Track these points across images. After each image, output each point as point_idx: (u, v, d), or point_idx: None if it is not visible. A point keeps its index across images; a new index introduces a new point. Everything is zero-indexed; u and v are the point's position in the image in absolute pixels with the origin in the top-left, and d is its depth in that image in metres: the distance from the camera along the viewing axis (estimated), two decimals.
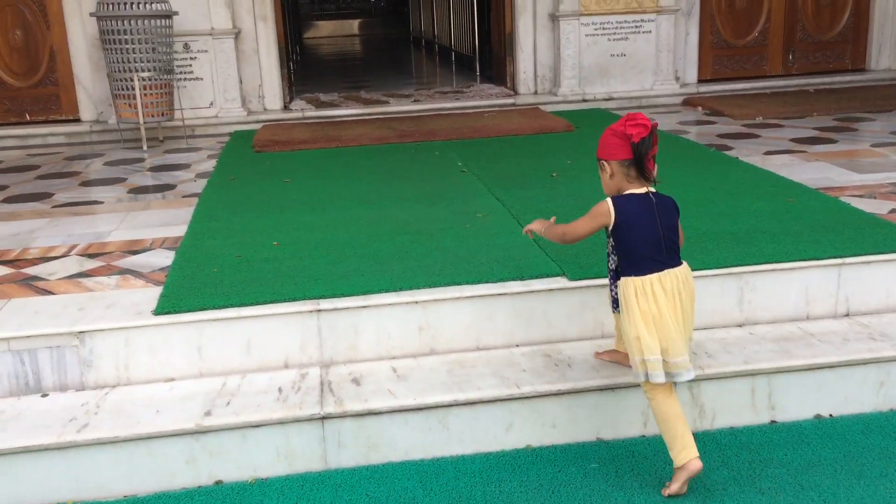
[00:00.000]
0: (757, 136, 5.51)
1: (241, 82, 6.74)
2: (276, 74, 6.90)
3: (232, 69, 6.60)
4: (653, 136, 2.47)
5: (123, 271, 3.34)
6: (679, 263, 2.49)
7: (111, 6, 5.78)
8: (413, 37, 15.69)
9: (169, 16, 6.01)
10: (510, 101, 7.00)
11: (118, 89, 5.96)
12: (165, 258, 3.47)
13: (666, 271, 2.46)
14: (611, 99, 7.07)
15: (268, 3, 6.75)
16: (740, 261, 3.15)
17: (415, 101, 7.13)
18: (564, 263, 3.18)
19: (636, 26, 7.00)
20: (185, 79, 6.57)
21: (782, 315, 3.16)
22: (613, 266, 2.63)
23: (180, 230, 3.84)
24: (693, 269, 2.56)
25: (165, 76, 6.03)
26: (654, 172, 2.52)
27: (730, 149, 5.14)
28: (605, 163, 2.55)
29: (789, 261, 3.15)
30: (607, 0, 6.94)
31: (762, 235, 3.40)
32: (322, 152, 5.59)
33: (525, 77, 7.19)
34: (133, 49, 5.83)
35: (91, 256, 3.54)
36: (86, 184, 5.01)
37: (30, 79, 6.65)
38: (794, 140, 5.32)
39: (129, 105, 5.95)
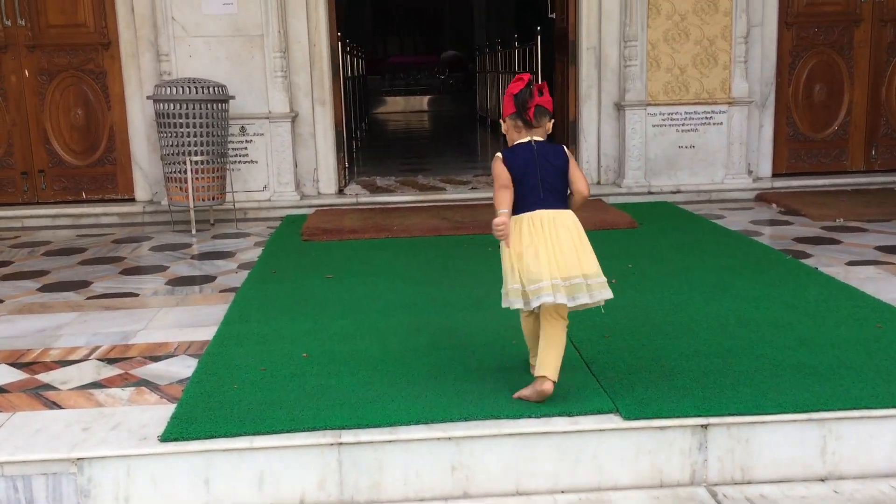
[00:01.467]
0: (838, 242, 5.09)
1: (295, 166, 6.62)
2: (332, 158, 6.77)
3: (287, 153, 6.49)
4: (530, 88, 2.78)
5: (140, 382, 3.11)
6: (562, 206, 2.80)
7: (168, 89, 5.75)
8: (479, 115, 15.65)
9: (226, 100, 5.95)
10: None
11: (171, 172, 5.89)
12: (187, 367, 3.23)
13: (538, 211, 2.76)
14: (678, 192, 6.73)
15: (326, 88, 6.67)
16: (823, 404, 2.74)
17: (472, 188, 6.91)
18: (619, 397, 2.83)
19: (706, 117, 6.69)
20: (239, 161, 6.49)
21: (872, 470, 2.73)
22: None
23: (209, 332, 3.62)
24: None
25: (218, 160, 5.94)
26: (544, 122, 2.82)
27: (808, 256, 4.74)
28: (501, 121, 2.93)
29: (881, 407, 2.74)
30: (676, 90, 6.66)
31: (847, 371, 2.99)
32: (371, 243, 5.38)
33: (588, 167, 6.92)
34: (187, 133, 5.76)
35: (111, 362, 3.33)
36: (127, 272, 4.87)
37: (88, 158, 6.66)
38: (879, 248, 4.88)
39: (181, 188, 5.86)
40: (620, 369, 3.10)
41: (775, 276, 4.30)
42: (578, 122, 6.92)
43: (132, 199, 6.66)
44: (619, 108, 6.71)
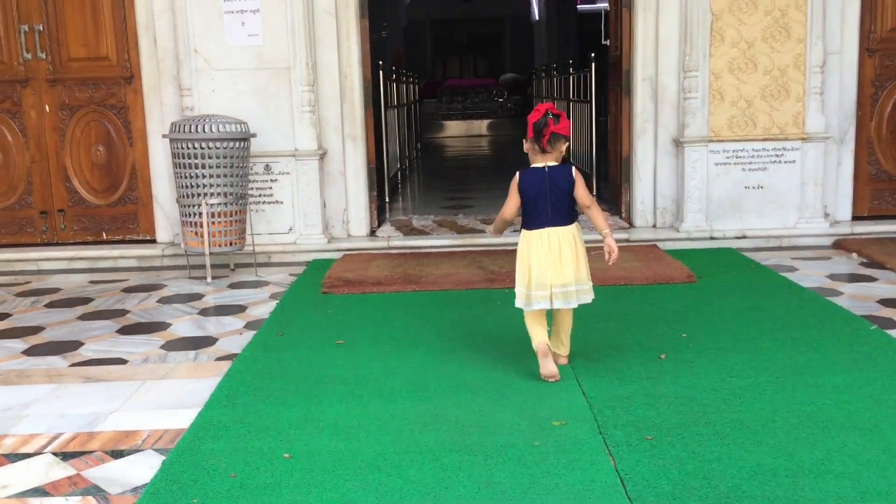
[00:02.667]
0: None
1: (324, 206, 6.17)
2: (364, 198, 6.30)
3: (314, 192, 6.04)
4: (546, 118, 3.28)
5: (88, 489, 2.64)
6: (566, 224, 3.38)
7: (184, 127, 5.35)
8: None
9: (246, 138, 5.54)
10: (624, 235, 6.10)
11: (186, 215, 5.49)
12: (150, 468, 2.76)
13: (547, 228, 3.36)
14: (744, 237, 6.05)
15: (358, 122, 6.21)
16: None
17: (515, 229, 6.33)
18: None
19: (777, 155, 6.02)
20: (264, 202, 6.07)
21: None
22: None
23: (188, 417, 3.15)
24: None
25: (237, 203, 5.52)
26: (559, 146, 3.34)
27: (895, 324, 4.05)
28: (524, 141, 3.41)
29: None
30: (742, 125, 6.00)
31: None
32: (395, 297, 4.87)
33: (642, 208, 6.29)
34: (203, 174, 5.35)
35: (67, 457, 2.87)
36: (125, 330, 4.45)
37: (109, 196, 6.33)
38: None
39: (196, 233, 5.45)
40: (663, 489, 2.52)
41: (859, 355, 3.63)
42: (633, 158, 6.31)
43: (153, 241, 6.29)
44: (678, 144, 6.09)
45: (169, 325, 4.53)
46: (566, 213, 3.39)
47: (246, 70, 5.96)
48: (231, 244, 5.53)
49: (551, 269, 3.36)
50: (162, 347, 4.12)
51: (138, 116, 6.22)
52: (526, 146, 3.42)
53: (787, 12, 5.89)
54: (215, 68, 5.94)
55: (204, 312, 4.76)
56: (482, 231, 6.37)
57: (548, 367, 3.40)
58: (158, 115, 6.09)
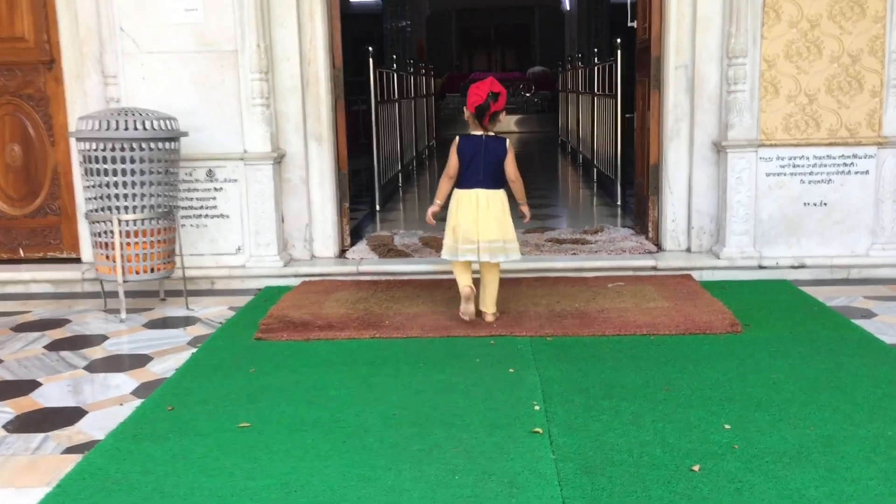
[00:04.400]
0: None
1: (281, 221, 5.05)
2: (331, 211, 5.17)
3: (268, 204, 4.92)
4: (488, 102, 3.74)
5: None
6: (496, 188, 3.84)
7: (92, 125, 4.26)
8: (560, 140, 13.86)
9: (174, 138, 4.43)
10: (650, 262, 4.90)
11: (97, 234, 4.39)
12: None
13: (476, 189, 3.82)
14: (801, 267, 4.82)
15: (324, 120, 5.07)
16: None
17: (507, 264, 5.15)
18: None
19: (846, 164, 4.77)
20: (206, 215, 4.96)
21: None
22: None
23: None
24: None
25: (162, 219, 4.41)
26: (496, 120, 3.84)
27: None
28: (464, 108, 3.89)
29: None
30: (801, 125, 4.77)
31: None
32: (345, 348, 3.73)
33: (674, 228, 5.08)
34: (114, 183, 4.25)
35: None
36: None
37: (27, 206, 5.26)
38: None
39: (108, 257, 4.36)
40: None
41: None
42: (662, 166, 5.10)
43: (77, 259, 5.22)
44: (719, 149, 4.87)
45: (38, 385, 3.43)
46: (496, 178, 3.85)
47: (183, 53, 4.85)
48: (153, 270, 4.42)
49: (478, 224, 3.80)
50: (6, 426, 3.02)
51: (60, 109, 5.14)
52: (466, 114, 3.89)
53: None
54: (146, 51, 4.84)
55: (92, 367, 3.65)
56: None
57: (467, 308, 3.95)
58: (82, 107, 4.99)
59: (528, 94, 19.44)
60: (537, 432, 2.79)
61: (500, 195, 3.84)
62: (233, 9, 4.77)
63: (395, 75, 8.72)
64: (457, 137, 3.87)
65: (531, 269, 4.91)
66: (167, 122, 4.39)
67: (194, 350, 3.80)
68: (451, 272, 4.90)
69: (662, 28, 5.01)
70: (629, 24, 5.80)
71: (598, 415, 2.92)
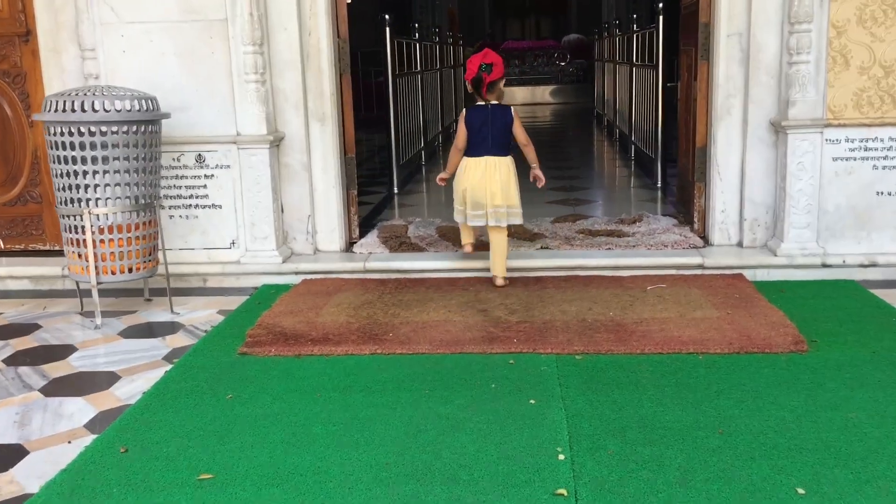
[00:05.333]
0: None
1: (281, 211, 4.53)
2: (336, 200, 4.63)
3: (265, 193, 4.39)
4: (480, 74, 3.93)
5: None
6: (503, 154, 4.01)
7: (59, 106, 3.74)
8: (596, 112, 13.14)
9: (153, 120, 3.90)
10: (696, 259, 4.29)
11: (68, 230, 3.90)
12: None
13: (486, 157, 3.98)
14: (873, 265, 4.19)
15: (327, 97, 4.52)
16: None
17: (542, 246, 4.59)
18: None
19: None
20: (196, 205, 4.45)
21: None
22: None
23: None
24: None
25: (142, 213, 3.90)
26: (497, 88, 4.02)
27: None
28: (466, 82, 4.07)
29: None
30: (875, 102, 4.11)
31: None
32: (341, 366, 3.21)
33: (723, 219, 4.47)
34: (84, 172, 3.75)
35: None
36: None
37: (6, 193, 4.80)
38: None
39: (80, 255, 3.87)
40: None
41: None
42: (710, 148, 4.47)
43: (60, 252, 4.75)
44: (778, 129, 4.23)
45: None
46: (504, 145, 4.02)
47: (167, 23, 4.31)
48: (131, 270, 3.92)
49: (485, 191, 3.96)
50: None
51: (38, 86, 4.64)
52: (469, 87, 4.04)
53: None
54: (126, 21, 4.31)
55: (50, 389, 3.17)
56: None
57: (465, 248, 4.25)
58: (60, 84, 4.49)
59: (563, 64, 18.66)
60: (561, 494, 2.24)
61: (507, 161, 4.03)
62: None
63: (418, 45, 8.12)
64: (464, 110, 4.08)
65: (561, 266, 4.34)
66: (145, 101, 3.86)
67: (169, 367, 3.30)
68: (467, 270, 4.37)
69: None
70: None
71: (638, 469, 2.36)
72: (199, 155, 4.40)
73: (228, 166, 4.40)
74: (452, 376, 3.09)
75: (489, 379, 3.05)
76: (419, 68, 8.08)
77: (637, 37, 7.76)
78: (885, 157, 4.15)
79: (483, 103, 4.02)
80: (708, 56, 4.47)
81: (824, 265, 4.21)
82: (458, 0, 22.42)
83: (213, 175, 4.42)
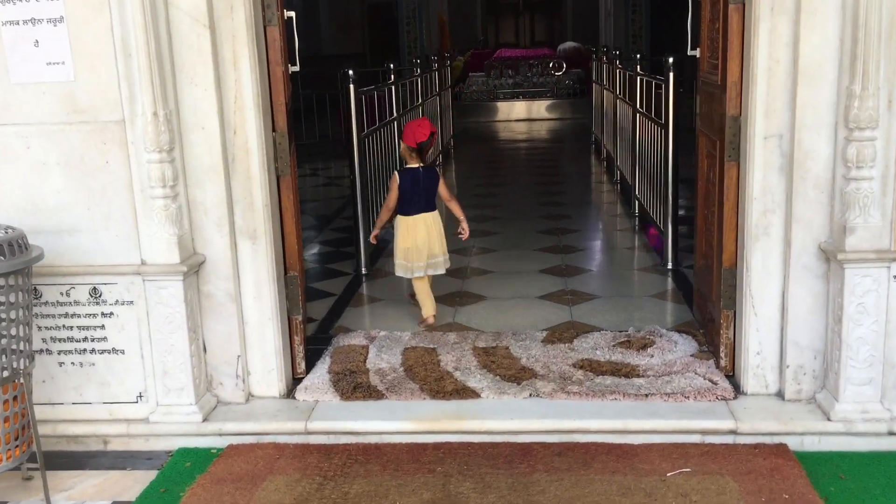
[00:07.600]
0: None
1: (203, 352, 3.60)
2: (273, 333, 3.69)
3: (179, 335, 3.46)
4: (431, 140, 4.47)
5: None
6: (433, 209, 4.50)
7: None
8: (594, 136, 12.18)
9: (19, 270, 2.96)
10: (727, 424, 3.36)
11: None
12: None
13: (420, 214, 4.46)
14: None
15: (259, 209, 3.57)
16: None
17: (531, 393, 3.66)
18: None
19: None
20: (92, 350, 3.53)
21: None
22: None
23: None
24: None
25: (4, 385, 2.97)
26: (429, 155, 4.62)
27: None
28: (402, 142, 4.53)
29: None
30: None
31: None
32: None
33: (759, 362, 3.55)
34: None
35: None
36: None
37: None
38: None
39: None
40: None
41: None
42: (743, 275, 3.55)
43: None
44: (831, 258, 3.30)
45: None
46: (433, 202, 4.53)
47: (48, 126, 3.37)
48: None
49: (427, 245, 4.47)
50: None
51: None
52: (403, 149, 4.53)
53: None
54: None
55: None
56: (475, 393, 3.68)
57: (428, 320, 4.54)
58: None
59: (558, 74, 17.67)
60: None
61: (436, 215, 4.55)
62: (115, 61, 3.28)
63: (393, 90, 7.19)
64: (395, 173, 4.52)
65: (555, 429, 3.41)
66: (8, 245, 2.92)
67: None
68: (436, 433, 3.45)
69: (746, 77, 3.42)
70: (689, 52, 4.20)
71: None
72: (94, 289, 3.46)
73: (131, 302, 3.47)
74: None
75: None
76: (395, 114, 7.15)
77: (640, 81, 6.83)
78: None
79: (415, 166, 4.47)
80: (737, 157, 3.55)
81: (891, 433, 3.29)
82: (449, 4, 21.44)
83: (112, 313, 3.49)
